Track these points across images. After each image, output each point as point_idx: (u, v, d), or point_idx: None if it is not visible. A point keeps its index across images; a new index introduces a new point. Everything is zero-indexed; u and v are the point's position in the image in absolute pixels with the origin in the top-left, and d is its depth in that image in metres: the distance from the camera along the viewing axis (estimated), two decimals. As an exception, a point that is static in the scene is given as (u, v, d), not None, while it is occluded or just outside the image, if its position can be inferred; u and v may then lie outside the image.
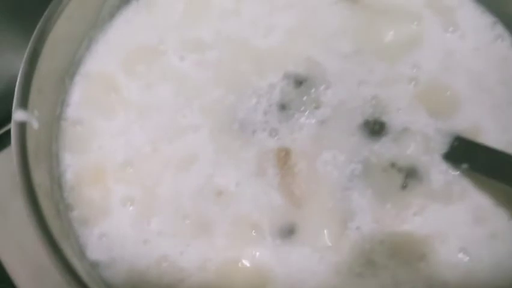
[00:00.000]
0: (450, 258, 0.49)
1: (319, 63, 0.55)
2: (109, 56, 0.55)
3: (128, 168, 0.51)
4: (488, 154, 0.50)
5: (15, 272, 0.60)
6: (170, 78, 0.54)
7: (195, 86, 0.54)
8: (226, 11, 0.57)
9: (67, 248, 0.44)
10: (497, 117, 0.53)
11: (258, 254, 0.49)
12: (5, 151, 0.62)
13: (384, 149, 0.52)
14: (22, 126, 0.46)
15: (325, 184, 0.51)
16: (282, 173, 0.51)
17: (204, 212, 0.50)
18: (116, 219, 0.50)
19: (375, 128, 0.52)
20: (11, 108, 0.46)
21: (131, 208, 0.50)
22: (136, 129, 0.53)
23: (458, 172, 0.51)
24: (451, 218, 0.50)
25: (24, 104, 0.46)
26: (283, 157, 0.51)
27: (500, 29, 0.56)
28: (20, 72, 0.47)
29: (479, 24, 0.56)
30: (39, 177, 0.46)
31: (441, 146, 0.52)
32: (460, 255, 0.49)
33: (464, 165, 0.50)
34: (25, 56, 0.47)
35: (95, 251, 0.49)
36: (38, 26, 0.48)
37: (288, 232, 0.49)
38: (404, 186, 0.51)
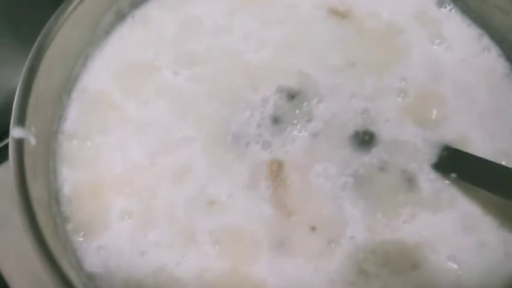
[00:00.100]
0: (440, 266, 0.49)
1: (311, 77, 0.56)
2: (105, 72, 0.56)
3: (126, 182, 0.52)
4: (477, 164, 0.50)
5: (14, 282, 0.60)
6: (165, 92, 0.55)
7: (189, 100, 0.55)
8: (219, 26, 0.58)
9: (63, 261, 0.44)
10: (484, 127, 0.54)
11: (252, 264, 0.49)
12: (4, 165, 0.63)
13: (374, 159, 0.53)
14: (20, 143, 0.47)
15: (317, 196, 0.51)
16: (275, 185, 0.52)
17: (197, 222, 0.50)
18: (114, 232, 0.50)
19: (365, 139, 0.53)
20: (9, 122, 0.47)
21: (129, 221, 0.50)
22: (133, 143, 0.53)
23: (447, 181, 0.52)
24: (440, 227, 0.50)
25: (21, 121, 0.47)
26: (276, 169, 0.52)
27: (486, 40, 0.57)
28: (18, 90, 0.48)
29: (466, 36, 0.58)
30: (37, 191, 0.47)
31: (430, 156, 0.53)
32: (450, 264, 0.49)
33: (453, 175, 0.51)
34: (22, 73, 0.48)
35: (93, 264, 0.49)
36: (35, 44, 0.49)
37: (281, 242, 0.50)
38: (392, 192, 0.52)
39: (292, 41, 0.58)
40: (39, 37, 0.50)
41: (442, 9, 0.59)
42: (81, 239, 0.50)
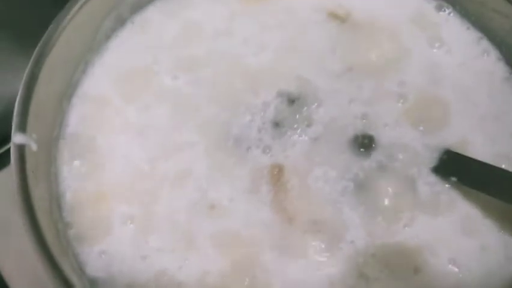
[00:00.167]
0: (440, 269, 0.49)
1: (310, 82, 0.56)
2: (105, 77, 0.56)
3: (127, 187, 0.52)
4: (477, 167, 0.51)
5: (16, 286, 0.60)
6: (166, 97, 0.55)
7: (189, 105, 0.55)
8: (219, 30, 0.59)
9: (65, 266, 0.45)
10: (484, 131, 0.54)
11: (253, 268, 0.49)
12: (5, 170, 0.63)
13: (373, 164, 0.53)
14: (21, 148, 0.47)
15: (317, 200, 0.51)
16: (276, 189, 0.52)
17: (198, 226, 0.50)
18: (116, 237, 0.50)
19: (364, 143, 0.53)
20: (11, 128, 0.48)
21: (131, 226, 0.51)
22: (134, 148, 0.53)
23: (447, 185, 0.52)
24: (441, 230, 0.50)
25: (22, 127, 0.48)
26: (277, 174, 0.52)
27: (485, 44, 0.58)
28: (19, 96, 0.48)
29: (465, 39, 0.58)
30: (39, 197, 0.47)
31: (430, 160, 0.53)
32: (450, 267, 0.49)
33: (453, 178, 0.52)
34: (23, 80, 0.49)
35: (95, 268, 0.49)
36: (35, 51, 0.50)
37: (281, 246, 0.50)
38: (392, 196, 0.52)
39: (292, 45, 0.58)
40: (39, 44, 0.50)
41: (441, 12, 0.59)
42: (83, 244, 0.50)
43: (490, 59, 0.57)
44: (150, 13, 0.59)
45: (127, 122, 0.54)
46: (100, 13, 0.56)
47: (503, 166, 0.52)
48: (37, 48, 0.50)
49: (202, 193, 0.52)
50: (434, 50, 0.58)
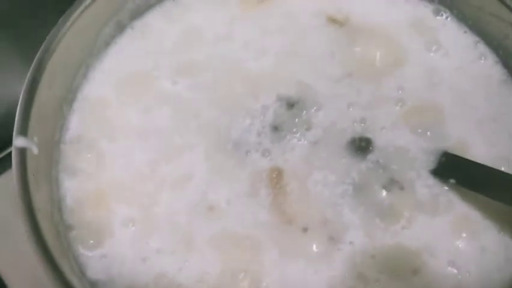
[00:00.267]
0: (440, 271, 0.49)
1: (309, 86, 0.56)
2: (105, 82, 0.57)
3: (127, 190, 0.52)
4: (475, 169, 0.51)
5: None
6: (166, 101, 0.56)
7: (190, 109, 0.56)
8: (219, 35, 0.59)
9: (66, 268, 0.45)
10: (483, 134, 0.55)
11: (253, 270, 0.49)
12: (7, 173, 0.64)
13: (372, 166, 0.53)
14: (22, 152, 0.48)
15: (316, 203, 0.52)
16: (275, 192, 0.52)
17: (198, 229, 0.51)
18: (116, 240, 0.51)
19: (361, 145, 0.54)
20: (12, 132, 0.48)
21: (131, 228, 0.51)
22: (134, 152, 0.54)
23: (446, 187, 0.52)
24: (440, 232, 0.51)
25: (24, 131, 0.48)
26: (276, 177, 0.53)
27: (482, 47, 0.58)
28: (20, 100, 0.49)
29: (462, 43, 0.58)
30: (40, 200, 0.47)
31: (429, 162, 0.53)
32: (450, 269, 0.49)
33: (452, 180, 0.52)
34: (24, 85, 0.49)
35: (95, 271, 0.49)
36: (36, 56, 0.50)
37: (281, 248, 0.50)
38: (390, 198, 0.52)
39: (292, 50, 0.59)
40: (40, 49, 0.51)
41: (438, 17, 0.60)
42: (83, 247, 0.50)
43: (487, 62, 0.58)
44: (150, 19, 0.60)
45: (127, 125, 0.55)
46: (100, 19, 0.57)
47: (502, 168, 0.52)
48: (38, 54, 0.51)
49: (202, 196, 0.52)
50: (432, 54, 0.58)
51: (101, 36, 0.57)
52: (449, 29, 0.59)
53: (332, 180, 0.53)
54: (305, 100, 0.56)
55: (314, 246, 0.50)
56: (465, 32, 0.59)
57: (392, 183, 0.52)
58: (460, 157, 0.52)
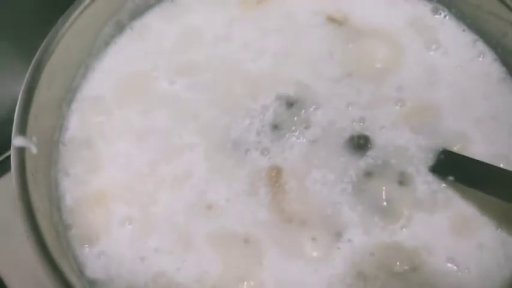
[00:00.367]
0: (439, 268, 0.49)
1: (308, 86, 0.57)
2: (105, 82, 0.57)
3: (126, 189, 0.52)
4: (474, 166, 0.51)
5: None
6: (166, 101, 0.56)
7: (189, 109, 0.56)
8: (218, 36, 0.59)
9: (65, 267, 0.45)
10: (482, 131, 0.55)
11: (252, 268, 0.49)
12: (7, 175, 0.64)
13: (371, 165, 0.53)
14: (21, 151, 0.48)
15: (315, 201, 0.52)
16: (274, 191, 0.52)
17: (197, 228, 0.51)
18: (115, 239, 0.51)
19: (360, 143, 0.54)
20: (11, 135, 0.48)
21: (129, 227, 0.51)
22: (133, 151, 0.54)
23: (444, 184, 0.52)
24: (438, 229, 0.51)
25: (23, 131, 0.48)
26: (275, 176, 0.53)
27: (481, 46, 0.58)
28: (19, 101, 0.49)
29: (461, 41, 0.58)
30: (39, 199, 0.47)
31: (427, 160, 0.53)
32: (449, 265, 0.49)
33: (451, 178, 0.52)
34: (23, 85, 0.49)
35: (94, 270, 0.50)
36: (35, 57, 0.51)
37: (280, 247, 0.50)
38: (389, 195, 0.52)
39: (291, 50, 0.59)
40: (39, 49, 0.51)
41: (437, 16, 0.60)
42: (82, 246, 0.50)
43: (485, 60, 0.57)
44: (149, 19, 0.60)
45: (126, 125, 0.55)
46: (100, 19, 0.57)
47: (501, 165, 0.52)
48: (37, 55, 0.51)
49: (201, 195, 0.52)
50: (431, 53, 0.58)
51: (100, 37, 0.57)
52: (447, 28, 0.59)
53: (331, 179, 0.53)
54: (304, 99, 0.56)
55: (313, 245, 0.50)
56: (464, 30, 0.59)
57: (390, 181, 0.52)
58: (458, 154, 0.52)
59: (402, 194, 0.52)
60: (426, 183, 0.52)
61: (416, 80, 0.57)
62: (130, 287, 0.49)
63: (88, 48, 0.57)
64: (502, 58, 0.57)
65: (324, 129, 0.55)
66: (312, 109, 0.55)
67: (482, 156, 0.53)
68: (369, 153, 0.54)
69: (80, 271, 0.49)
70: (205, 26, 0.60)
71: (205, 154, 0.54)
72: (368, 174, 0.53)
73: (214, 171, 0.53)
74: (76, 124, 0.55)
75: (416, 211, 0.51)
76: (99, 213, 0.51)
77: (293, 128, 0.55)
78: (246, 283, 0.49)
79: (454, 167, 0.52)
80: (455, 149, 0.54)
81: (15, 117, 0.49)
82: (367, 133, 0.54)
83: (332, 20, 0.60)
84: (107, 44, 0.58)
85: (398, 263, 0.49)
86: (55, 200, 0.51)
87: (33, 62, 0.50)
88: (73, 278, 0.45)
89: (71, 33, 0.53)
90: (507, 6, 0.54)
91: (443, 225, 0.51)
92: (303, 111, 0.55)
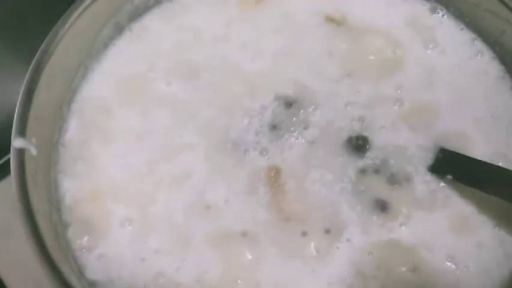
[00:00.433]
0: (438, 267, 0.49)
1: (307, 86, 0.57)
2: (104, 83, 0.57)
3: (126, 190, 0.52)
4: (472, 165, 0.51)
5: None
6: (165, 102, 0.56)
7: (189, 109, 0.56)
8: (217, 36, 0.59)
9: (65, 268, 0.45)
10: (481, 130, 0.55)
11: (251, 268, 0.50)
12: (7, 178, 0.64)
13: (370, 164, 0.53)
14: (21, 153, 0.48)
15: (314, 201, 0.52)
16: (273, 191, 0.52)
17: (196, 227, 0.51)
18: (114, 240, 0.51)
19: (358, 144, 0.54)
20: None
21: (129, 228, 0.51)
22: (134, 152, 0.54)
23: (443, 183, 0.52)
24: (437, 227, 0.51)
25: (22, 132, 0.48)
26: (274, 176, 0.53)
27: (479, 44, 0.58)
28: (19, 102, 0.49)
29: (459, 40, 0.59)
30: (38, 201, 0.47)
31: (426, 159, 0.53)
32: (448, 264, 0.50)
33: (449, 176, 0.52)
34: (23, 87, 0.49)
35: (94, 271, 0.50)
36: (35, 58, 0.51)
37: (279, 246, 0.50)
38: (388, 195, 0.52)
39: (290, 50, 0.59)
40: (39, 51, 0.51)
41: (435, 15, 0.60)
42: (82, 247, 0.51)
43: (484, 59, 0.58)
44: (148, 21, 0.60)
45: (126, 126, 0.55)
46: (99, 21, 0.57)
47: (500, 164, 0.53)
48: (36, 57, 0.51)
49: (200, 194, 0.52)
50: (429, 52, 0.58)
51: (99, 38, 0.58)
52: (446, 27, 0.59)
53: (330, 179, 0.53)
54: (303, 99, 0.56)
55: (312, 245, 0.50)
56: (462, 29, 0.59)
57: (389, 180, 0.52)
58: (457, 153, 0.53)
59: (401, 193, 0.52)
60: (425, 182, 0.52)
61: (415, 79, 0.57)
62: (130, 287, 0.49)
63: (87, 49, 0.57)
64: (500, 56, 0.57)
65: (323, 130, 0.55)
66: (310, 109, 0.56)
67: (481, 155, 0.53)
68: (368, 154, 0.54)
69: (80, 272, 0.49)
70: (204, 26, 0.60)
71: (204, 154, 0.54)
72: (367, 174, 0.53)
73: (214, 171, 0.53)
74: (75, 125, 0.55)
75: (415, 210, 0.51)
76: (98, 214, 0.51)
77: (292, 129, 0.55)
78: (245, 282, 0.49)
79: (452, 166, 0.52)
80: (454, 148, 0.54)
81: (14, 119, 0.49)
82: (366, 133, 0.54)
83: (330, 20, 0.60)
84: (106, 45, 0.58)
85: (397, 262, 0.50)
86: (55, 201, 0.52)
87: (32, 63, 0.51)
88: (72, 279, 0.45)
89: (71, 35, 0.53)
90: (505, 4, 0.54)
91: (442, 224, 0.51)
92: (302, 111, 0.56)
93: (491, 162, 0.51)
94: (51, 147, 0.53)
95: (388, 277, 0.49)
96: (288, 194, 0.52)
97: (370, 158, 0.53)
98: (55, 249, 0.46)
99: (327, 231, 0.51)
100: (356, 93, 0.56)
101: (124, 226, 0.51)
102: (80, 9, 0.53)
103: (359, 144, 0.54)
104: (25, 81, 0.50)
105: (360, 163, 0.53)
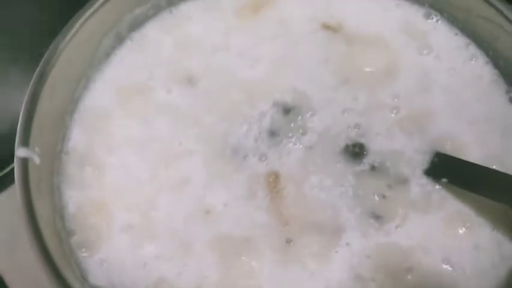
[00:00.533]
0: (434, 269, 0.50)
1: (305, 92, 0.57)
2: (106, 93, 0.58)
3: (128, 197, 0.53)
4: (467, 168, 0.52)
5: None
6: (166, 110, 0.57)
7: (189, 117, 0.57)
8: (215, 45, 0.60)
9: (68, 274, 0.46)
10: (475, 133, 0.55)
11: (250, 272, 0.50)
12: (13, 186, 0.65)
13: (367, 169, 0.54)
14: (24, 162, 0.49)
15: (312, 205, 0.53)
16: (272, 195, 0.53)
17: (196, 233, 0.52)
18: (116, 246, 0.52)
19: (355, 151, 0.55)
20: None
21: (131, 234, 0.52)
22: (135, 160, 0.55)
23: (439, 186, 0.53)
24: (433, 230, 0.51)
25: (25, 142, 0.49)
26: (273, 181, 0.54)
27: (473, 49, 0.59)
28: (22, 112, 0.50)
29: (453, 45, 0.59)
30: (42, 208, 0.48)
31: (422, 163, 0.54)
32: (444, 266, 0.50)
33: (445, 180, 0.53)
34: (26, 97, 0.50)
35: (97, 276, 0.50)
36: (37, 69, 0.52)
37: (278, 250, 0.51)
38: (384, 198, 0.53)
39: (287, 57, 0.60)
40: (41, 62, 0.52)
41: (429, 20, 0.60)
42: (85, 253, 0.51)
43: (478, 63, 0.58)
44: (148, 30, 0.61)
45: (128, 134, 0.56)
46: (100, 31, 0.58)
47: (494, 167, 0.53)
48: (39, 67, 0.52)
49: (200, 200, 0.53)
50: (424, 57, 0.59)
51: (101, 48, 0.58)
52: (440, 32, 0.60)
53: (328, 184, 0.54)
54: (301, 106, 0.57)
55: (311, 248, 0.51)
56: (456, 34, 0.60)
57: (386, 184, 0.53)
58: (452, 156, 0.53)
59: (397, 196, 0.53)
60: (421, 186, 0.53)
61: (410, 85, 0.58)
62: (132, 293, 0.50)
63: (89, 59, 0.58)
64: (494, 61, 0.58)
65: (320, 136, 0.56)
66: (308, 115, 0.56)
67: (476, 158, 0.54)
68: (365, 160, 0.54)
69: (83, 278, 0.50)
70: (203, 35, 0.61)
71: (204, 160, 0.55)
72: (364, 178, 0.54)
73: (213, 177, 0.54)
74: (78, 134, 0.56)
75: (412, 213, 0.52)
76: (100, 220, 0.52)
77: (290, 134, 0.56)
78: (244, 286, 0.50)
79: (447, 169, 0.53)
80: (449, 151, 0.54)
81: (18, 129, 0.50)
82: (362, 140, 0.55)
83: (326, 27, 0.61)
84: (107, 55, 0.59)
85: (394, 265, 0.50)
86: (58, 209, 0.53)
87: (35, 74, 0.51)
88: (75, 285, 0.46)
89: (73, 45, 0.54)
90: (497, 9, 0.55)
91: (437, 226, 0.52)
92: (300, 117, 0.56)
93: (486, 165, 0.51)
94: (55, 155, 0.54)
95: (385, 280, 0.50)
96: (286, 199, 0.53)
97: (367, 164, 0.54)
98: (58, 255, 0.47)
99: (326, 235, 0.51)
100: (352, 100, 0.57)
101: (125, 232, 0.52)
102: (82, 20, 0.54)
103: (356, 152, 0.55)
104: (28, 91, 0.51)
105: (358, 168, 0.54)
